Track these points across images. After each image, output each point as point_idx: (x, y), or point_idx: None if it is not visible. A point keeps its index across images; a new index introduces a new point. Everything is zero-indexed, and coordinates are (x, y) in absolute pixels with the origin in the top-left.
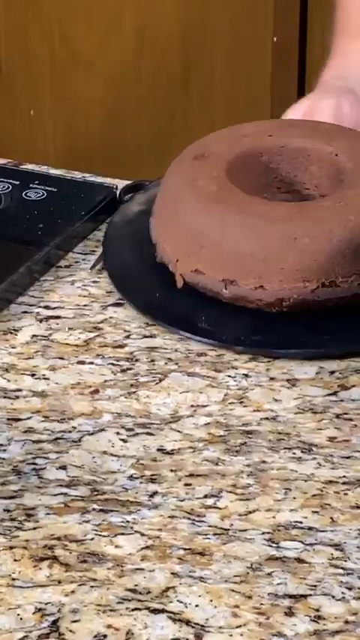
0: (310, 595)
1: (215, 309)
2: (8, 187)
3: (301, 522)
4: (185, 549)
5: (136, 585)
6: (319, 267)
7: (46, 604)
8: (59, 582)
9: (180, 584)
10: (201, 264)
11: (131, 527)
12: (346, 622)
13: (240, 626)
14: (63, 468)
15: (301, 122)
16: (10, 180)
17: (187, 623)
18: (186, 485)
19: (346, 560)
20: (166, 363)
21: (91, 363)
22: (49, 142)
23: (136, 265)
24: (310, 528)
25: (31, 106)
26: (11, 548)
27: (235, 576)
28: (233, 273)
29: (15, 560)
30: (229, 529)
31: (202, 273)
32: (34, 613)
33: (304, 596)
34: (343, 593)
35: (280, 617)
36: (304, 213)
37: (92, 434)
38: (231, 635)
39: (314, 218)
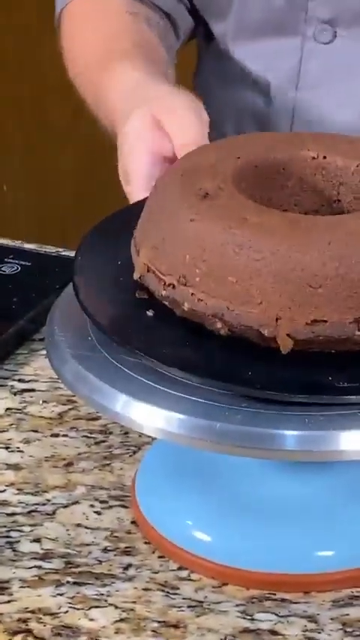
0: None
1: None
2: None
3: (274, 594)
4: (159, 622)
5: None
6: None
7: None
8: None
9: None
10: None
11: (105, 600)
12: None
13: None
14: (37, 540)
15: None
16: None
17: None
18: (160, 557)
19: (319, 632)
20: (140, 435)
21: (65, 435)
22: (22, 215)
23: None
24: (283, 600)
25: (3, 181)
26: None
27: None
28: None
29: None
30: (203, 601)
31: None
32: None
33: None
34: None
35: None
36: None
37: (66, 506)
38: None
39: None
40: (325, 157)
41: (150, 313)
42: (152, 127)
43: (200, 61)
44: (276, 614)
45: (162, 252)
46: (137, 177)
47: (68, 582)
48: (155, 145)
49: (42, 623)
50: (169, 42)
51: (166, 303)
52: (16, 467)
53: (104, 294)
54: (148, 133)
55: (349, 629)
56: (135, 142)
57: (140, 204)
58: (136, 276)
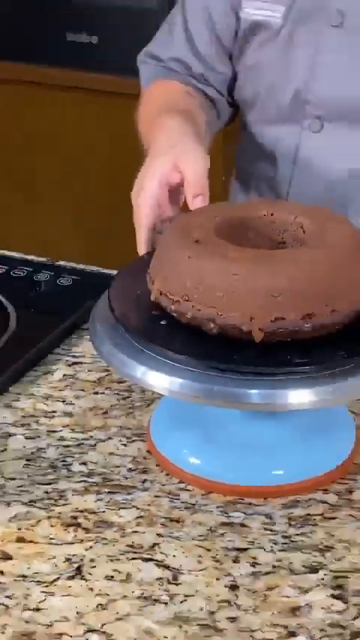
0: (250, 548)
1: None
2: (47, 276)
3: (243, 499)
4: (165, 517)
5: (133, 542)
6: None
7: (73, 555)
8: (81, 541)
9: (163, 541)
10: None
11: (129, 503)
12: (274, 566)
13: (203, 570)
14: (84, 463)
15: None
16: (48, 272)
17: (167, 567)
18: (166, 475)
19: (273, 525)
20: (152, 393)
21: (102, 393)
22: (74, 242)
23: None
24: (249, 503)
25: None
26: (49, 517)
27: (199, 536)
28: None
29: (51, 525)
30: (195, 504)
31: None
32: (64, 562)
33: (246, 549)
34: (271, 547)
35: (230, 564)
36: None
37: (103, 441)
38: (197, 576)
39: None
40: (272, 214)
41: (163, 322)
42: (167, 166)
43: (240, 142)
44: (244, 513)
45: (170, 280)
46: (146, 196)
47: (105, 492)
48: (165, 174)
49: (87, 519)
50: (210, 117)
51: (175, 314)
52: (69, 414)
53: (126, 305)
54: (163, 170)
55: (292, 523)
56: (152, 177)
57: (150, 255)
58: (152, 298)
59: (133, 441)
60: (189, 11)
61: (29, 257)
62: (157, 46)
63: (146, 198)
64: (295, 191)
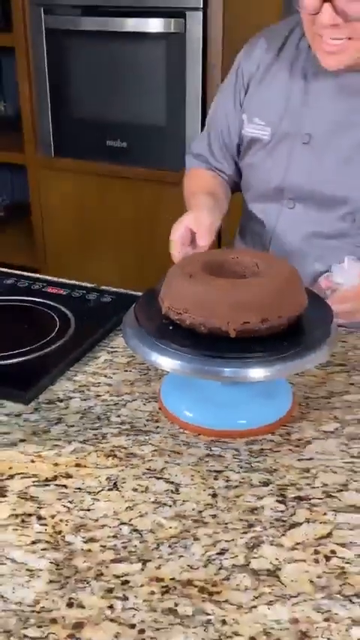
0: (224, 470)
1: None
2: (94, 296)
3: (220, 439)
4: (171, 451)
5: (149, 467)
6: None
7: (111, 475)
8: (116, 466)
9: (168, 466)
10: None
11: (149, 442)
12: (240, 482)
13: (194, 484)
14: (118, 416)
15: (241, 251)
16: (95, 293)
17: (171, 483)
18: (171, 424)
19: (240, 455)
20: (163, 371)
21: (130, 371)
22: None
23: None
24: (225, 442)
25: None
26: (96, 451)
27: (192, 462)
28: (194, 312)
29: (97, 456)
30: (188, 442)
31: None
32: (105, 479)
33: (222, 471)
34: (238, 469)
35: (212, 480)
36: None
37: (131, 402)
38: (190, 488)
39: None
40: (238, 258)
41: (170, 327)
42: (191, 221)
43: (242, 212)
44: (221, 447)
45: (174, 300)
46: (175, 240)
47: (131, 434)
48: (189, 225)
49: (120, 452)
50: (225, 189)
51: (178, 321)
52: (109, 384)
53: (146, 317)
54: (187, 225)
55: (252, 454)
56: (181, 224)
57: (160, 285)
58: (163, 311)
59: (150, 401)
60: (212, 126)
61: (83, 284)
62: (195, 145)
63: (176, 236)
64: (275, 242)
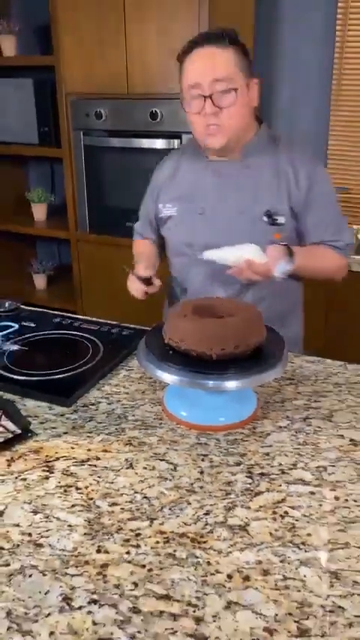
0: (209, 454)
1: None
2: (117, 330)
3: (207, 432)
4: (171, 441)
5: (155, 452)
6: (221, 341)
7: (127, 458)
8: (131, 451)
9: (169, 451)
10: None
11: (154, 434)
12: (219, 463)
13: (187, 464)
14: (133, 415)
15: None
16: (118, 328)
17: (171, 463)
18: (170, 421)
19: (220, 443)
20: (165, 384)
21: (142, 383)
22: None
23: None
24: (209, 434)
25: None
26: (117, 440)
27: (186, 449)
28: (191, 343)
29: (118, 444)
30: (183, 434)
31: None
32: (124, 461)
33: (207, 455)
34: (219, 453)
35: (199, 462)
36: (217, 322)
37: (142, 405)
38: (184, 467)
39: (220, 326)
40: (218, 303)
41: (171, 352)
42: (133, 275)
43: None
44: (206, 438)
45: (173, 333)
46: (136, 290)
47: (142, 428)
48: (138, 283)
49: (134, 441)
50: (157, 250)
51: (176, 348)
52: (127, 393)
53: (153, 345)
54: (134, 279)
55: (228, 442)
56: (130, 281)
57: (163, 323)
58: (165, 341)
59: (156, 405)
60: (142, 214)
61: (108, 321)
62: (136, 225)
63: (134, 290)
64: (189, 287)
